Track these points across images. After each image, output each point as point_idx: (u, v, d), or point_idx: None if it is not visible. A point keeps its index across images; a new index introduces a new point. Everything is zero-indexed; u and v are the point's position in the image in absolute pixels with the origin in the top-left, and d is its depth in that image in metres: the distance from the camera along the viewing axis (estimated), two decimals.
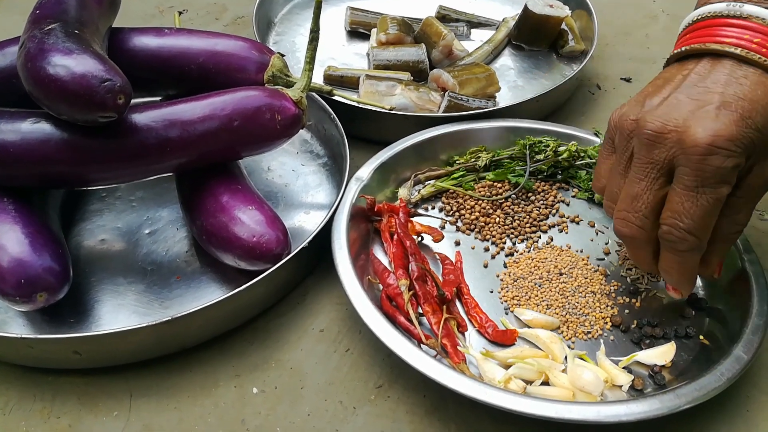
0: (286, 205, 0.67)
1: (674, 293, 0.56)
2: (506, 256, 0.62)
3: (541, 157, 0.68)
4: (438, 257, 0.61)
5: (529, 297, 0.58)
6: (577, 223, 0.66)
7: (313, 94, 0.69)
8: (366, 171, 0.64)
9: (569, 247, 0.63)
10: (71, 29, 0.51)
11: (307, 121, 0.62)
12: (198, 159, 0.57)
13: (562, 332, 0.56)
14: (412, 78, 0.80)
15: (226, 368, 0.54)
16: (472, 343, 0.54)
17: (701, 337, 0.55)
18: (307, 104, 0.61)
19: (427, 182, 0.68)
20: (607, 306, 0.58)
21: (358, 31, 0.91)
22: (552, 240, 0.64)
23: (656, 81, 0.50)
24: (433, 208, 0.67)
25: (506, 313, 0.57)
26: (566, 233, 0.65)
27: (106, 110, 0.49)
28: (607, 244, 0.64)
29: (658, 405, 0.46)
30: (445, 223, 0.65)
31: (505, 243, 0.63)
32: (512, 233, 0.64)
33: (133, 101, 0.51)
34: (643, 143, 0.47)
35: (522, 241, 0.64)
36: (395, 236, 0.60)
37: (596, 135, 0.70)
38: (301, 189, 0.69)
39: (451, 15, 0.94)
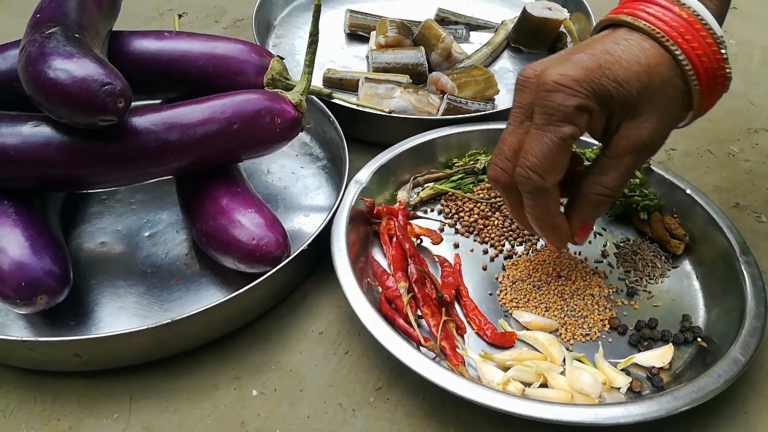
0: (285, 207, 0.67)
1: (550, 246, 0.56)
2: (505, 258, 0.63)
3: None
4: (437, 260, 0.61)
5: (528, 299, 0.58)
6: None
7: (313, 96, 0.69)
8: (365, 174, 0.64)
9: (567, 250, 0.63)
10: (72, 33, 0.52)
11: (307, 124, 0.62)
12: (198, 162, 0.57)
13: (561, 334, 0.56)
14: (411, 81, 0.80)
15: (226, 370, 0.54)
16: (471, 345, 0.55)
17: (699, 339, 0.55)
18: (307, 107, 0.61)
19: (426, 185, 0.69)
20: (605, 308, 0.58)
21: (357, 34, 0.92)
22: None
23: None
24: (432, 210, 0.67)
25: (505, 316, 0.58)
26: None
27: (106, 114, 0.49)
28: (605, 246, 0.64)
29: (656, 407, 0.46)
30: (444, 225, 0.65)
31: (503, 245, 0.64)
32: (511, 236, 0.64)
33: (133, 104, 0.51)
34: (516, 89, 0.49)
35: (521, 243, 0.64)
36: (394, 239, 0.60)
37: None
38: (301, 192, 0.69)
39: (450, 18, 0.95)
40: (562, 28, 0.89)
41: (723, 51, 0.47)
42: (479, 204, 0.66)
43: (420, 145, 0.68)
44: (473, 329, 0.56)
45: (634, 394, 0.51)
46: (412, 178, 0.68)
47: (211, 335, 0.55)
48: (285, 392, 0.53)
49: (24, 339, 0.49)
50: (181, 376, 0.54)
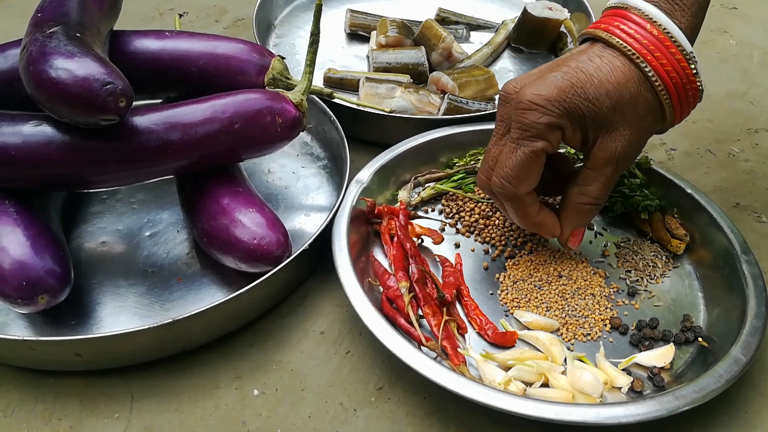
0: (286, 207, 0.67)
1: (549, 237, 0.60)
2: (506, 258, 0.63)
3: None
4: (438, 259, 0.61)
5: (529, 299, 0.58)
6: None
7: (314, 96, 0.69)
8: (366, 173, 0.64)
9: (573, 251, 0.63)
10: (73, 32, 0.52)
11: (308, 124, 0.62)
12: (199, 161, 0.57)
13: (562, 334, 0.56)
14: (411, 80, 0.80)
15: (227, 370, 0.54)
16: (472, 345, 0.55)
17: (700, 339, 0.55)
18: (308, 107, 0.61)
19: (426, 185, 0.69)
20: (607, 308, 0.58)
21: (357, 34, 0.92)
22: (551, 242, 0.64)
23: None
24: (432, 210, 0.67)
25: (506, 315, 0.58)
26: None
27: (107, 113, 0.49)
28: (606, 246, 0.64)
29: (657, 407, 0.46)
30: (445, 225, 0.65)
31: (504, 245, 0.64)
32: (512, 235, 0.64)
33: (134, 104, 0.51)
34: (499, 103, 0.53)
35: (522, 243, 0.64)
36: (395, 238, 0.60)
37: None
38: (302, 191, 0.69)
39: (450, 18, 0.95)
40: (562, 28, 0.89)
41: (692, 66, 0.50)
42: (480, 204, 0.66)
43: (421, 145, 0.68)
44: (474, 329, 0.56)
45: (635, 393, 0.51)
46: (412, 178, 0.68)
47: (212, 335, 0.55)
48: (286, 392, 0.53)
49: (25, 338, 0.49)
50: (182, 375, 0.54)
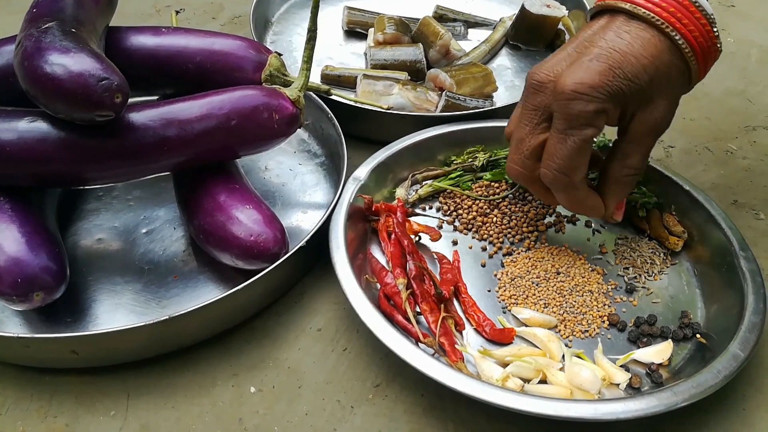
0: (283, 204, 0.67)
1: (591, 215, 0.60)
2: (504, 255, 0.62)
3: None
4: (435, 256, 0.61)
5: (527, 296, 0.58)
6: (574, 222, 0.66)
7: (311, 93, 0.69)
8: (363, 171, 0.64)
9: (566, 247, 0.63)
10: (68, 28, 0.51)
11: (305, 121, 0.62)
12: (195, 158, 0.57)
13: (560, 331, 0.56)
14: (409, 78, 0.80)
15: (224, 367, 0.54)
16: (470, 341, 0.55)
17: (698, 335, 0.55)
18: (305, 103, 0.61)
19: (424, 182, 0.68)
20: (605, 304, 0.58)
21: (355, 31, 0.91)
22: (549, 239, 0.64)
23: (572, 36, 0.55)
24: (430, 207, 0.67)
25: (504, 312, 0.57)
26: (563, 233, 0.65)
27: (103, 109, 0.49)
28: (603, 243, 0.64)
29: (655, 403, 0.46)
30: (443, 222, 0.65)
31: (502, 242, 0.63)
32: (509, 233, 0.64)
33: (131, 100, 0.51)
34: (530, 92, 0.53)
35: (519, 240, 0.64)
36: (393, 236, 0.60)
37: None
38: (299, 188, 0.69)
39: (448, 15, 0.95)
40: (560, 26, 0.89)
41: (714, 29, 0.50)
42: (477, 201, 0.66)
43: (418, 143, 0.68)
44: (472, 326, 0.56)
45: (633, 389, 0.51)
46: (410, 176, 0.68)
47: (209, 332, 0.55)
48: (283, 389, 0.53)
49: (20, 336, 0.49)
50: (178, 373, 0.53)
